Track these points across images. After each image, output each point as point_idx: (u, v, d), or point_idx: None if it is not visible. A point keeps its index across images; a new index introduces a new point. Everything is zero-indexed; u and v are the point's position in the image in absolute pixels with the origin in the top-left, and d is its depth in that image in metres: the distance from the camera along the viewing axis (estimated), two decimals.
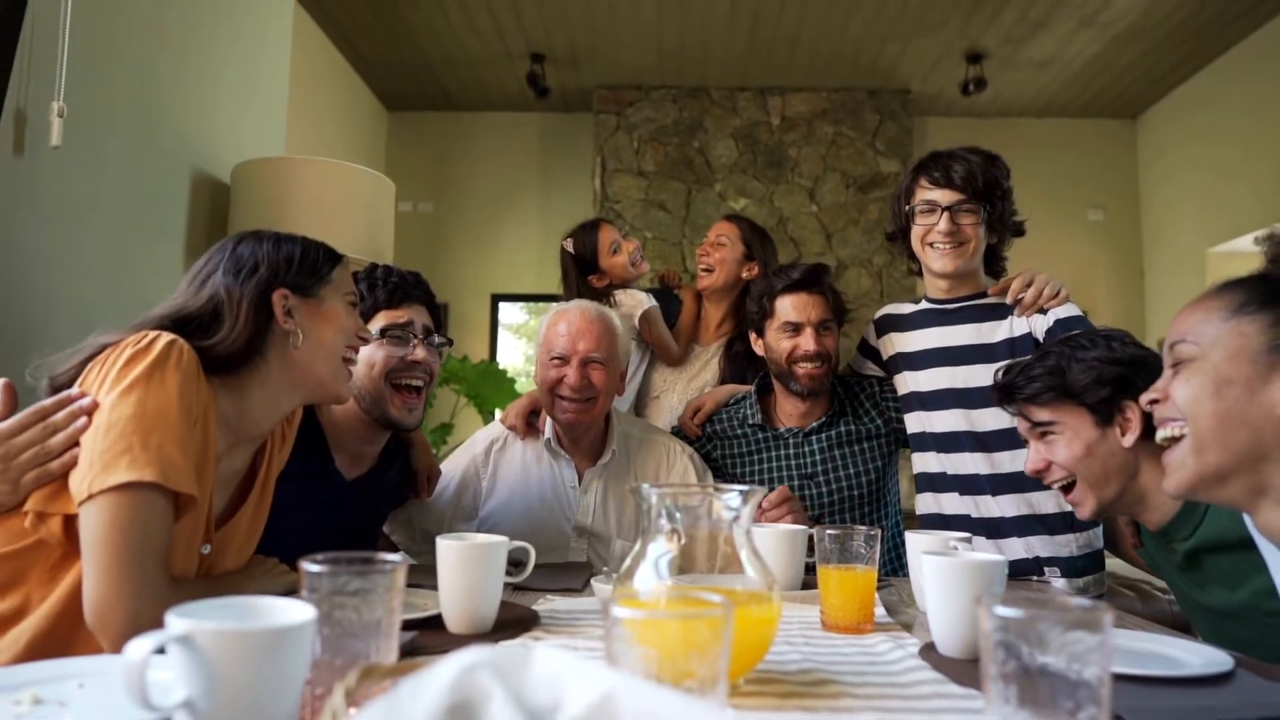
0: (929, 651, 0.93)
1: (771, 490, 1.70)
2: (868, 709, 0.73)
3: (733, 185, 5.73)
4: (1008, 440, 1.59)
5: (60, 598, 0.93)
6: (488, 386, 4.90)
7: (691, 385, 2.23)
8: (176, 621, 0.53)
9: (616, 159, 5.74)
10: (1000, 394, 1.35)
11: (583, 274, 2.22)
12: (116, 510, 0.88)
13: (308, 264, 1.15)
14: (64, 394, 0.96)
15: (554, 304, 1.83)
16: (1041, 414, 1.27)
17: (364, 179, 2.33)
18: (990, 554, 0.99)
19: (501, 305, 6.19)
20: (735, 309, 2.23)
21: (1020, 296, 1.62)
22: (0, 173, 1.48)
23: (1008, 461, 1.60)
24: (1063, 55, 5.24)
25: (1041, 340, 1.60)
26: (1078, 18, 4.80)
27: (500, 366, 5.08)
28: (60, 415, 0.94)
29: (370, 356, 1.40)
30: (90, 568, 0.87)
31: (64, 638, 0.92)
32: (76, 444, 0.93)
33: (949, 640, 0.92)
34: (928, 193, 1.66)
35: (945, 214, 1.63)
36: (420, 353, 1.45)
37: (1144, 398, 0.96)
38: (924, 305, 1.79)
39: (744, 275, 2.19)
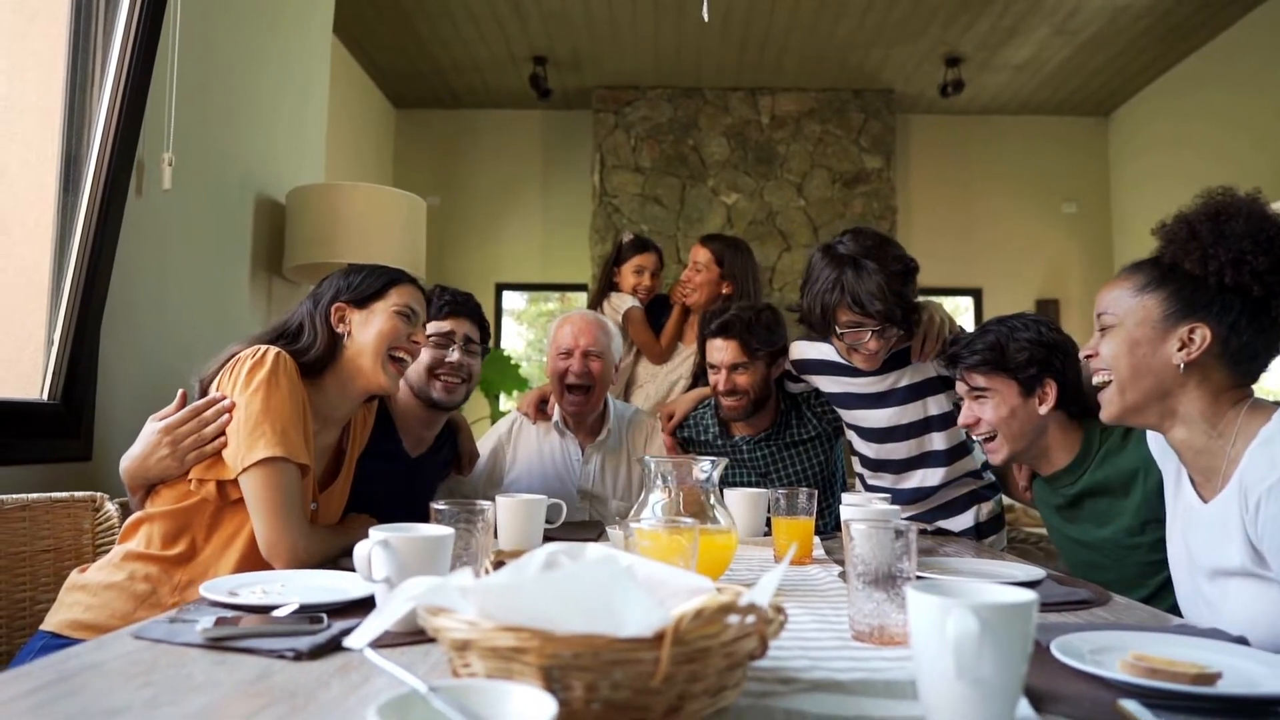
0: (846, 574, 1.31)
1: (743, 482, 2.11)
2: (789, 600, 1.11)
3: (725, 181, 5.95)
4: (908, 465, 1.90)
5: (222, 543, 1.31)
6: (493, 370, 5.14)
7: (668, 379, 2.61)
8: (377, 533, 0.91)
9: (615, 156, 5.97)
10: (947, 361, 1.65)
11: (611, 263, 2.77)
12: (267, 477, 1.26)
13: (362, 284, 1.51)
14: (211, 397, 1.34)
15: (560, 312, 2.24)
16: (979, 380, 1.55)
17: (399, 199, 2.68)
18: (888, 505, 1.37)
19: (505, 294, 6.42)
20: None
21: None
22: (127, 213, 1.85)
23: (916, 479, 1.91)
24: (1036, 59, 5.49)
25: (945, 373, 1.81)
26: (1049, 25, 5.06)
27: (505, 352, 5.38)
28: (210, 412, 1.32)
29: (422, 356, 1.76)
30: (259, 518, 1.26)
31: (227, 570, 1.29)
32: (223, 432, 1.30)
33: None
34: (848, 313, 1.72)
35: (854, 333, 1.73)
36: (456, 355, 1.81)
37: (1082, 353, 1.27)
38: (830, 355, 1.93)
39: (723, 291, 2.54)
